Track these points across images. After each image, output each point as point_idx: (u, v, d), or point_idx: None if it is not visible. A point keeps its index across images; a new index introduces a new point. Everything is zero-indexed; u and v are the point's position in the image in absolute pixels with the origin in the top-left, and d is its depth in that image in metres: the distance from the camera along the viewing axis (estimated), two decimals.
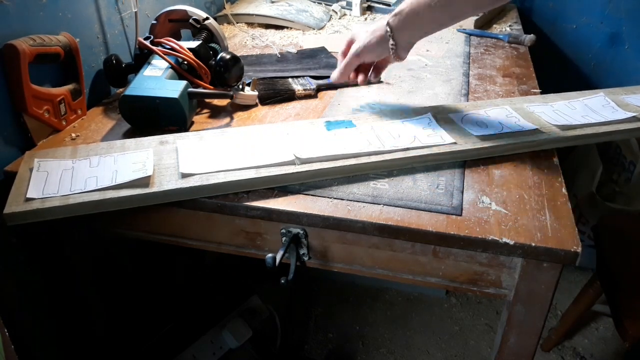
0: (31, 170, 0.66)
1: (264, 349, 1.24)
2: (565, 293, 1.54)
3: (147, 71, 0.82)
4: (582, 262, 0.79)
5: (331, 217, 0.61)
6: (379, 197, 0.64)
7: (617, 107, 0.83)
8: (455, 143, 0.71)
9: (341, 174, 0.67)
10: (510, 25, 1.34)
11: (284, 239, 0.67)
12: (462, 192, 0.65)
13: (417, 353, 1.41)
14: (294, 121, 0.82)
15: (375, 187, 0.66)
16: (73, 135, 0.79)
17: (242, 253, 0.72)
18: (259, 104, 0.89)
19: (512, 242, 0.57)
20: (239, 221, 0.68)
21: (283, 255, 0.65)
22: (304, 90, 0.92)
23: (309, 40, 1.22)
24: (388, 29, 0.74)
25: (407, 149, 0.70)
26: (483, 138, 0.72)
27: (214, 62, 0.87)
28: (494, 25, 1.34)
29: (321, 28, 1.31)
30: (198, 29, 0.96)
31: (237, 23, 1.33)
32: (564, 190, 0.65)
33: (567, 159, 1.64)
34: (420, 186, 0.66)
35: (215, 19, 1.10)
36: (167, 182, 0.64)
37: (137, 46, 0.90)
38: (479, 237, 0.58)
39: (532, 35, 1.20)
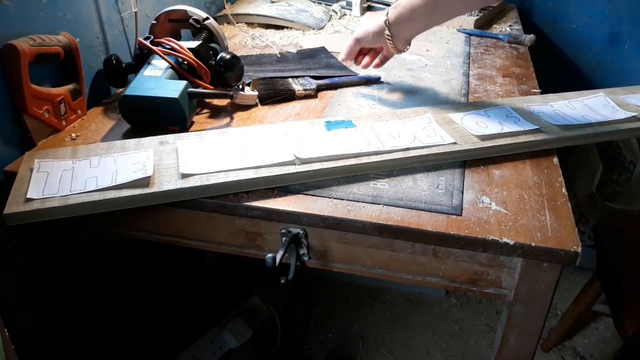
0: (31, 170, 0.66)
1: (264, 349, 1.24)
2: (565, 293, 1.54)
3: (147, 71, 0.82)
4: (582, 262, 0.79)
5: (331, 217, 0.61)
6: (379, 197, 0.64)
7: (617, 107, 0.83)
8: (455, 143, 0.71)
9: (341, 174, 0.67)
10: (510, 25, 1.34)
11: (284, 239, 0.67)
12: (462, 192, 0.65)
13: (417, 353, 1.41)
14: (294, 121, 0.82)
15: (375, 187, 0.66)
16: (73, 135, 0.79)
17: (242, 253, 0.72)
18: (259, 104, 0.89)
19: (512, 242, 0.57)
20: (239, 221, 0.68)
21: (283, 255, 0.65)
22: (304, 90, 0.92)
23: (309, 40, 1.22)
24: (386, 20, 0.77)
25: (407, 149, 0.70)
26: (483, 138, 0.72)
27: (214, 62, 0.87)
28: (494, 25, 1.34)
29: (321, 28, 1.31)
30: (198, 29, 0.96)
31: (237, 23, 1.33)
32: (564, 190, 0.65)
33: (567, 159, 1.64)
34: (420, 186, 0.66)
35: (215, 19, 1.10)
36: (167, 182, 0.64)
37: (137, 46, 0.90)
38: (479, 237, 0.58)
39: (532, 35, 1.20)
